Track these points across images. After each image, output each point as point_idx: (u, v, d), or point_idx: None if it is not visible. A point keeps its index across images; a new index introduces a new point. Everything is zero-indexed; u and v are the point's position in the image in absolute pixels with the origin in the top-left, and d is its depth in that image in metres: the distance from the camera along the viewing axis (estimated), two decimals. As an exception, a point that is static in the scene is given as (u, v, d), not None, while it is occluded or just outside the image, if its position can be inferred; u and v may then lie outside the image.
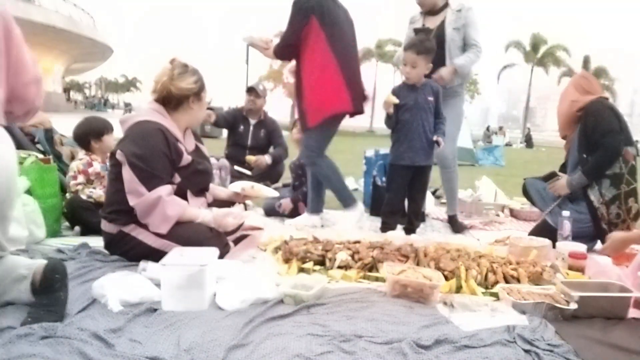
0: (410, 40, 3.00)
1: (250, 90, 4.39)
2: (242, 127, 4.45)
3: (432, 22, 3.33)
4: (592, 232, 2.79)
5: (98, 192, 2.84)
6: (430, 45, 2.95)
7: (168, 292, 1.70)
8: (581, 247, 2.45)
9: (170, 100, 2.25)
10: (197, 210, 2.24)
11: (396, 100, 2.95)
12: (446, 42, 3.22)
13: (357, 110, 3.16)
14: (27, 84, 1.60)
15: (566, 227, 2.64)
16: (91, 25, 34.05)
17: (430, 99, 3.00)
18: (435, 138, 2.97)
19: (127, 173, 2.09)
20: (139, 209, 2.09)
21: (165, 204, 2.08)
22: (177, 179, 2.22)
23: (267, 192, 2.76)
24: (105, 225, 2.21)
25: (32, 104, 1.65)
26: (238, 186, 2.62)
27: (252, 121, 4.46)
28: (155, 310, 1.65)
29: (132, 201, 2.09)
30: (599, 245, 2.78)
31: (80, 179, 2.86)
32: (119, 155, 2.11)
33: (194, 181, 2.30)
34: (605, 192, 2.71)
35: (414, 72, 2.94)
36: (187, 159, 2.25)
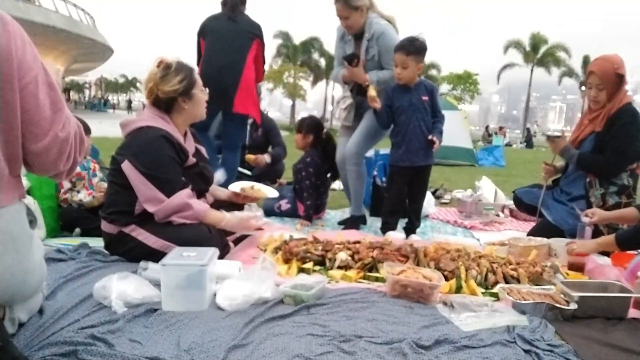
0: (400, 41, 2.97)
1: None
2: None
3: (358, 48, 3.21)
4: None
5: (87, 198, 2.81)
6: (420, 44, 2.91)
7: (168, 292, 1.70)
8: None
9: (160, 105, 2.25)
10: (220, 214, 2.27)
11: (374, 93, 2.94)
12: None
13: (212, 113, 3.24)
14: (40, 151, 1.20)
15: (587, 234, 2.53)
16: (91, 25, 34.02)
17: (425, 98, 3.00)
18: (430, 137, 2.97)
19: (140, 183, 2.09)
20: (161, 213, 2.10)
21: (193, 205, 2.14)
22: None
23: (268, 192, 2.76)
24: (105, 226, 2.21)
25: (55, 169, 1.27)
26: (238, 186, 2.63)
27: (248, 121, 4.46)
28: (155, 310, 1.65)
29: (151, 208, 2.09)
30: None
31: (66, 184, 2.81)
32: (127, 166, 2.10)
33: (197, 182, 2.32)
34: (609, 198, 2.71)
35: (404, 73, 2.91)
36: (192, 160, 2.28)
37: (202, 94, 2.34)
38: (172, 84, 2.21)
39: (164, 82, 2.21)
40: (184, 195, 2.13)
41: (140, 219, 2.14)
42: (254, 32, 3.52)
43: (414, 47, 2.89)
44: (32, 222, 1.37)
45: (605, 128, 2.76)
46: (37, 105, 1.16)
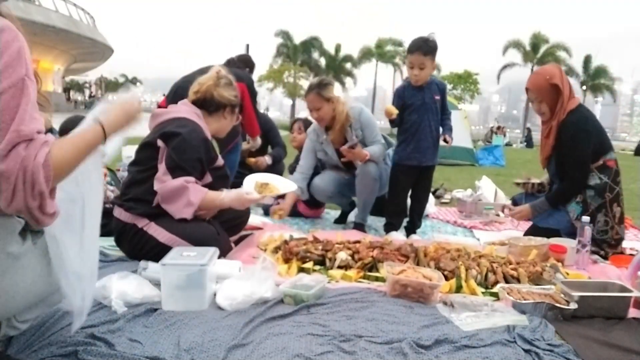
0: (413, 42, 2.93)
1: None
2: None
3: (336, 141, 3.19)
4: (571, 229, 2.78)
5: None
6: (434, 44, 2.91)
7: (168, 292, 1.70)
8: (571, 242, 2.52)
9: (208, 104, 2.36)
10: (217, 192, 2.28)
11: (395, 112, 2.92)
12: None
13: None
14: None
15: (587, 234, 2.47)
16: (91, 25, 34.03)
17: (437, 97, 2.99)
18: (444, 137, 2.98)
19: (163, 159, 2.17)
20: (161, 193, 2.14)
21: (188, 191, 2.13)
22: (209, 178, 2.29)
23: (283, 187, 2.62)
24: (120, 213, 2.21)
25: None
26: (252, 179, 2.57)
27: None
28: (155, 310, 1.65)
29: (156, 185, 2.15)
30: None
31: None
32: (160, 142, 2.18)
33: (220, 184, 2.37)
34: (591, 201, 2.68)
35: (422, 73, 2.90)
36: (221, 160, 2.36)
37: (235, 118, 2.50)
38: (232, 93, 2.42)
39: (227, 88, 2.40)
40: (183, 179, 2.14)
41: (155, 212, 2.17)
42: (241, 77, 3.52)
43: (430, 47, 2.88)
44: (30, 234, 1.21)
45: (556, 141, 2.78)
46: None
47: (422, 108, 2.95)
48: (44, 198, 1.07)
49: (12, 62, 1.04)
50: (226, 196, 2.24)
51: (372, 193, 3.14)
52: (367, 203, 3.19)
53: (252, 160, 4.26)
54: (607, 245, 2.68)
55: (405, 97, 2.96)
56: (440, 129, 3.08)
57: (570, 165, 2.72)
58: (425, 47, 2.86)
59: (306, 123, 3.90)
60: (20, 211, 1.06)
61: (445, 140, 2.98)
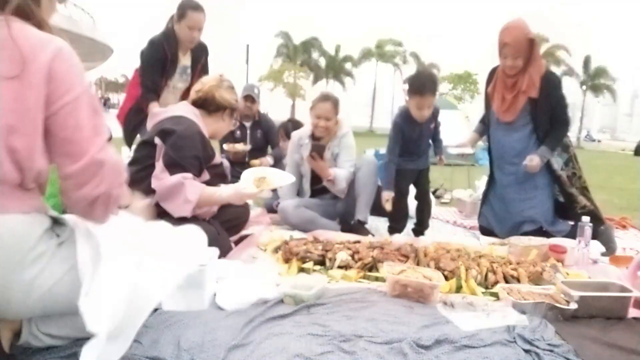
0: (418, 82, 2.94)
1: (247, 97, 4.36)
2: (238, 132, 4.42)
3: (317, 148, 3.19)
4: (555, 206, 2.96)
5: None
6: (437, 79, 3.06)
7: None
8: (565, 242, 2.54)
9: (209, 104, 2.37)
10: (214, 188, 2.29)
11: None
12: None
13: None
14: (75, 173, 1.17)
15: (587, 234, 2.45)
16: (91, 25, 34.00)
17: (432, 126, 3.13)
18: (438, 158, 3.25)
19: (160, 157, 2.19)
20: (158, 191, 2.15)
21: (185, 188, 2.13)
22: (207, 176, 2.29)
23: (280, 180, 2.58)
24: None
25: (84, 194, 1.18)
26: (250, 173, 2.56)
27: (247, 124, 4.45)
28: (156, 310, 1.65)
29: (153, 183, 2.16)
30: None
31: None
32: (158, 140, 2.19)
33: (218, 182, 2.38)
34: (559, 158, 2.92)
35: (428, 111, 2.97)
36: (218, 159, 2.38)
37: (232, 122, 2.55)
38: (233, 96, 2.46)
39: (229, 92, 2.44)
40: (180, 176, 2.14)
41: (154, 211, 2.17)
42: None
43: (436, 86, 2.99)
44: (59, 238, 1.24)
45: (541, 92, 2.88)
46: (76, 124, 1.15)
47: (420, 139, 3.12)
48: (122, 189, 1.25)
49: (79, 76, 1.20)
50: (224, 191, 2.24)
51: (374, 187, 3.17)
52: (368, 199, 3.18)
53: (257, 162, 4.26)
54: (578, 186, 2.91)
55: (404, 130, 3.06)
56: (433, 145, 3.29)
57: (562, 110, 2.93)
58: (434, 87, 2.95)
59: (286, 129, 3.97)
60: (97, 198, 1.17)
61: (440, 160, 3.24)
